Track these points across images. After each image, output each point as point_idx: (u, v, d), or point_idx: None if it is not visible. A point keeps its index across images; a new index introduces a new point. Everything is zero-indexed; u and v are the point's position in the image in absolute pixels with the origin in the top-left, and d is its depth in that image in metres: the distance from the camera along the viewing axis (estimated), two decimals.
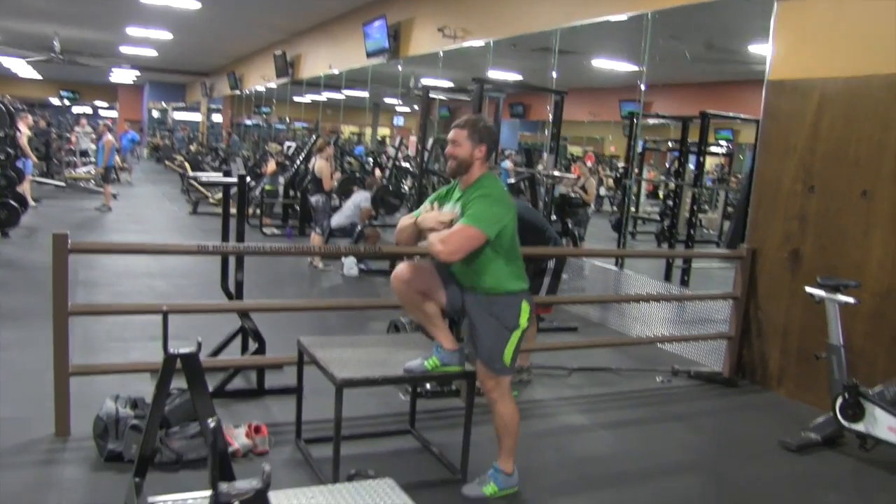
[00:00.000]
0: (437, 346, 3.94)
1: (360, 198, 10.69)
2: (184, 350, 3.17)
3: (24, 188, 14.02)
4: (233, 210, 5.41)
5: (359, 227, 10.27)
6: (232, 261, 5.39)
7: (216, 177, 6.14)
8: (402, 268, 3.90)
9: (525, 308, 3.81)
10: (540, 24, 9.25)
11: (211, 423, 2.23)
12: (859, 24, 5.67)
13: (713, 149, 15.51)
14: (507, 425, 3.91)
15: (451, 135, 3.79)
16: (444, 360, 3.91)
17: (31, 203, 14.01)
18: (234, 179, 5.26)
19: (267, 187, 14.26)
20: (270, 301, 6.46)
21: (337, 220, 10.51)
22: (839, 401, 4.84)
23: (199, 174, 11.31)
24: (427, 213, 3.81)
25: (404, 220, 3.96)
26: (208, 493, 2.07)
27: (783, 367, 6.13)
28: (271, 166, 14.26)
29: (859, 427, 4.77)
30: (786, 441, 5.01)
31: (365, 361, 3.98)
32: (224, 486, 1.98)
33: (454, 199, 3.84)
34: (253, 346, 5.28)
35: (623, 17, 7.95)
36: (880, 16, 5.52)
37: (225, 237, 5.44)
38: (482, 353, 3.82)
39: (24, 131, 14.18)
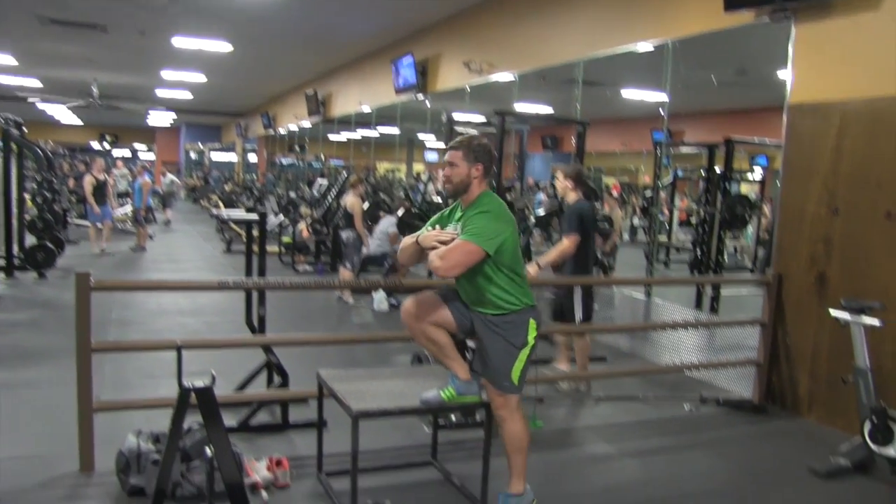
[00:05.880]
0: (453, 377, 3.95)
1: (388, 223, 10.81)
2: (198, 384, 3.20)
3: (106, 233, 14.47)
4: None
5: (388, 260, 10.34)
6: (256, 296, 5.45)
7: (238, 213, 6.22)
8: (408, 302, 3.94)
9: (532, 325, 3.83)
10: (563, 55, 9.31)
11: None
12: (877, 44, 5.63)
13: (748, 175, 15.42)
14: (516, 444, 3.89)
15: (446, 156, 3.85)
16: (461, 391, 3.92)
17: (97, 250, 14.44)
18: (254, 216, 5.34)
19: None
20: (288, 335, 6.48)
21: (371, 249, 10.63)
22: (868, 425, 4.78)
23: (221, 210, 11.43)
24: (428, 233, 3.84)
25: (406, 241, 3.99)
26: None
27: (813, 392, 6.04)
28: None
29: (889, 452, 4.70)
30: (815, 467, 4.91)
31: (383, 393, 4.00)
32: None
33: (455, 219, 3.89)
34: (277, 380, 5.33)
35: (647, 46, 7.99)
36: None
37: (248, 272, 5.50)
38: (490, 371, 3.84)
39: (90, 179, 14.58)
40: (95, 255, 14.20)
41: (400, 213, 10.79)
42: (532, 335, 3.83)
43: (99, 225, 14.64)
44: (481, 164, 3.81)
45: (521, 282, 3.84)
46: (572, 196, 6.42)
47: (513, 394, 3.85)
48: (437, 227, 3.94)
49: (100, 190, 14.60)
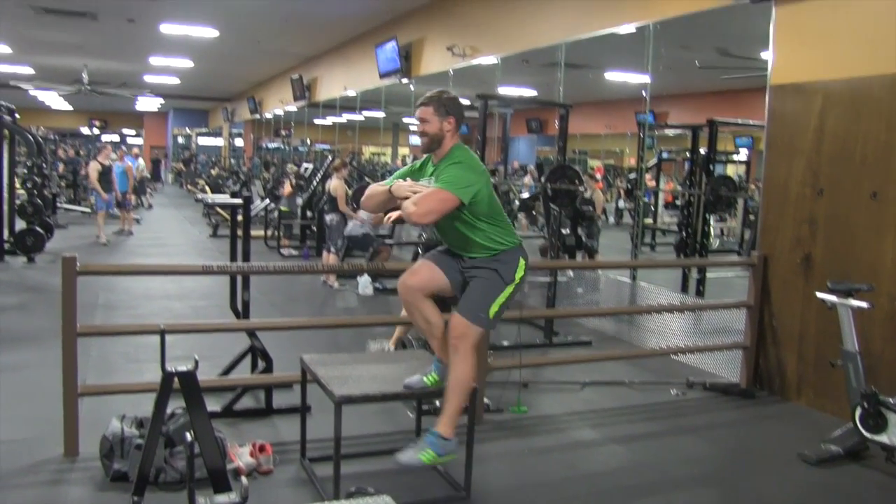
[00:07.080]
0: (437, 361, 3.92)
1: None
2: (181, 368, 3.17)
3: (99, 222, 14.30)
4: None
5: (373, 244, 10.28)
6: (241, 280, 5.41)
7: (223, 198, 6.16)
8: (404, 276, 3.92)
9: (521, 264, 3.84)
10: (546, 38, 9.30)
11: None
12: (858, 24, 5.62)
13: (733, 157, 15.44)
14: (460, 382, 3.76)
15: (417, 113, 3.85)
16: (444, 376, 3.87)
17: (103, 240, 14.20)
18: (239, 201, 5.28)
19: (283, 209, 14.39)
20: (272, 319, 6.47)
21: (350, 228, 10.55)
22: (858, 411, 4.66)
23: (206, 195, 11.42)
24: (402, 183, 3.81)
25: (375, 188, 3.98)
26: None
27: (801, 375, 6.03)
28: (287, 188, 14.28)
29: (882, 438, 4.57)
30: (805, 454, 4.84)
31: (366, 378, 3.97)
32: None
33: (427, 173, 3.88)
34: (261, 365, 5.30)
35: (629, 28, 7.96)
36: (879, 16, 5.47)
37: (233, 257, 5.47)
38: (470, 299, 3.79)
39: (95, 166, 14.57)
40: (103, 244, 13.98)
41: None
42: (520, 274, 3.83)
43: (102, 211, 14.57)
44: (453, 118, 3.82)
45: (504, 224, 3.85)
46: None
47: (480, 326, 3.77)
48: (409, 179, 3.90)
49: (105, 176, 14.67)
